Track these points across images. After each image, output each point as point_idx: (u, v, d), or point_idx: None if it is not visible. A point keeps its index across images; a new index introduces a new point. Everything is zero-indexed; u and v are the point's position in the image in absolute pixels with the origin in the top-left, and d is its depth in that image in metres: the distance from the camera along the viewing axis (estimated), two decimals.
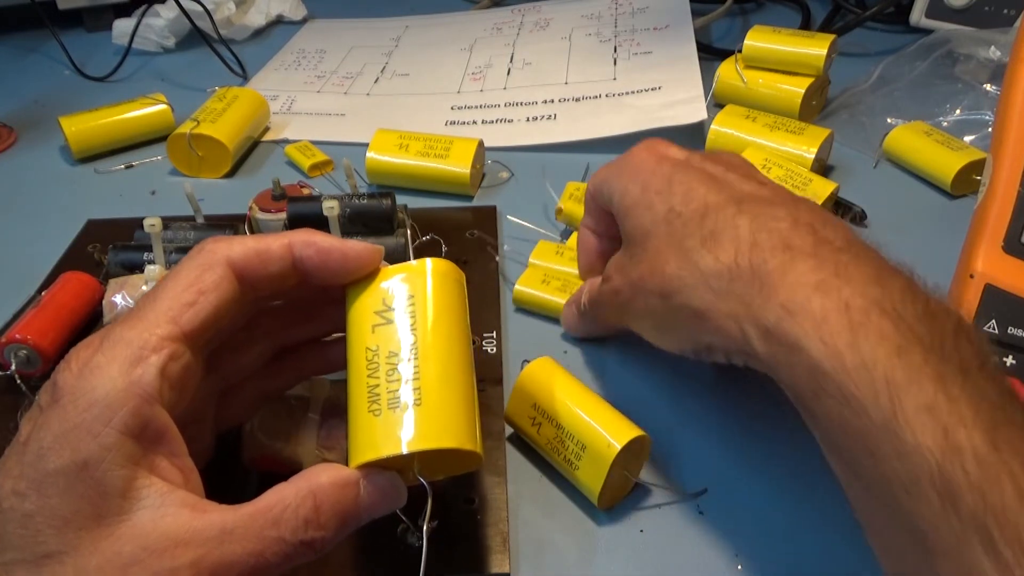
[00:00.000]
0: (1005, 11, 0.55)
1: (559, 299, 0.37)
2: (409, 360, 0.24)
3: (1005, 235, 0.29)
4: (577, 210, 0.42)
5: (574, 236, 0.39)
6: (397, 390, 0.24)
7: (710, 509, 0.29)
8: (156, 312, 0.23)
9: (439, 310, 0.25)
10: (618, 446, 0.27)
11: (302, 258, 0.25)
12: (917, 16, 0.59)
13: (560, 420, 0.29)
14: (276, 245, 0.25)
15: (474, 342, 0.36)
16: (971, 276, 0.29)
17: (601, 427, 0.28)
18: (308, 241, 0.25)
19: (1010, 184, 0.29)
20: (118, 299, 0.35)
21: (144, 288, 0.35)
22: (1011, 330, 0.29)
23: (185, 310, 0.23)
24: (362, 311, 0.26)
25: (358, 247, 0.26)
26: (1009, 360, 0.29)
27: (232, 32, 0.70)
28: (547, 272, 0.39)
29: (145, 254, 0.38)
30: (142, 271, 0.37)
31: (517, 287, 0.39)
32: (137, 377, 0.21)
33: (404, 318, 0.25)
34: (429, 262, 0.26)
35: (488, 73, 0.62)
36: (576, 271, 0.37)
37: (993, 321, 0.29)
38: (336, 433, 0.28)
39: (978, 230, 0.30)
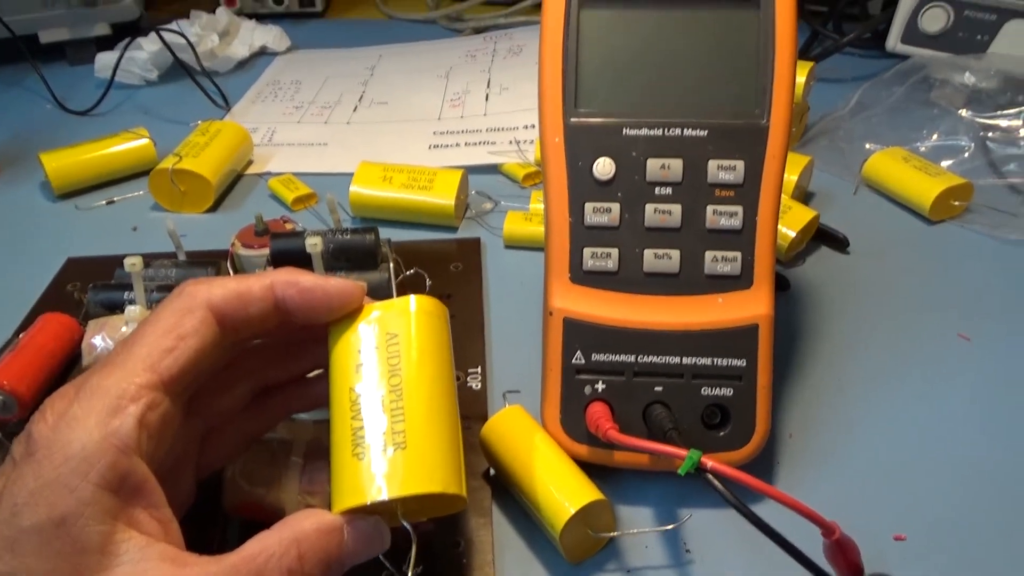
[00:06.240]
0: (978, 37, 0.56)
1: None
2: (393, 401, 0.24)
3: (569, 266, 0.30)
4: None
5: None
6: (382, 432, 0.23)
7: (697, 548, 0.29)
8: (134, 359, 0.22)
9: (423, 349, 0.25)
10: (556, 532, 0.27)
11: (284, 298, 0.25)
12: (893, 42, 0.60)
13: (518, 486, 0.29)
14: (257, 286, 0.25)
15: (458, 378, 0.36)
16: (551, 313, 0.30)
17: (545, 504, 0.28)
18: (290, 281, 0.25)
19: (561, 216, 0.30)
20: (98, 341, 0.34)
21: (124, 329, 0.34)
22: (595, 356, 0.30)
23: (164, 356, 0.23)
24: (345, 350, 0.25)
25: (341, 285, 0.25)
26: (600, 385, 0.30)
27: (216, 64, 0.70)
28: (526, 215, 0.46)
29: (126, 293, 0.38)
30: (123, 311, 0.37)
31: (505, 228, 0.45)
32: (114, 428, 0.21)
33: (388, 357, 0.25)
34: (413, 299, 0.26)
35: (467, 99, 0.62)
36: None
37: (579, 352, 0.30)
38: (319, 477, 0.28)
39: (549, 267, 0.31)
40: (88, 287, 0.38)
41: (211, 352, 0.24)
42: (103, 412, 0.21)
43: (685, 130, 0.30)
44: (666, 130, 0.30)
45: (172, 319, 0.23)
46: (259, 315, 0.25)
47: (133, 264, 0.36)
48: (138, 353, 0.23)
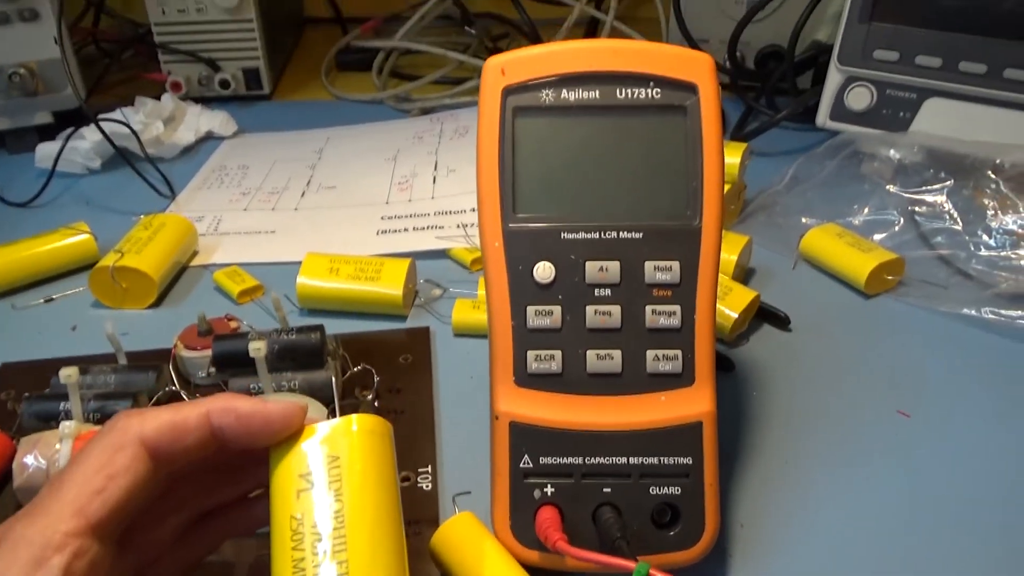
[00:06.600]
0: (901, 114, 0.58)
1: None
2: (335, 529, 0.23)
3: (513, 369, 0.31)
4: None
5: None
6: (324, 563, 0.23)
7: None
8: (61, 503, 0.22)
9: (366, 472, 0.25)
10: None
11: (221, 427, 0.24)
12: (822, 119, 0.62)
13: None
14: (193, 416, 0.24)
15: (408, 478, 0.36)
16: (496, 418, 0.31)
17: None
18: (227, 408, 0.25)
19: (504, 319, 0.31)
20: (30, 460, 0.33)
21: (58, 447, 0.33)
22: (542, 459, 0.30)
23: (93, 498, 0.22)
24: (285, 475, 0.25)
25: (280, 408, 0.25)
26: (549, 488, 0.30)
27: (161, 151, 0.69)
28: (474, 303, 0.46)
29: (62, 404, 0.37)
30: (58, 424, 0.36)
31: (454, 317, 0.45)
32: None
33: (329, 482, 0.24)
34: (354, 420, 0.26)
35: (415, 182, 0.63)
36: None
37: (526, 455, 0.30)
38: None
39: (494, 370, 0.31)
40: (22, 397, 0.37)
41: (144, 488, 0.23)
42: (27, 565, 0.20)
43: (621, 233, 0.31)
44: (603, 233, 0.31)
45: (103, 457, 0.23)
46: (195, 445, 0.24)
47: (69, 375, 0.35)
48: (65, 497, 0.22)
